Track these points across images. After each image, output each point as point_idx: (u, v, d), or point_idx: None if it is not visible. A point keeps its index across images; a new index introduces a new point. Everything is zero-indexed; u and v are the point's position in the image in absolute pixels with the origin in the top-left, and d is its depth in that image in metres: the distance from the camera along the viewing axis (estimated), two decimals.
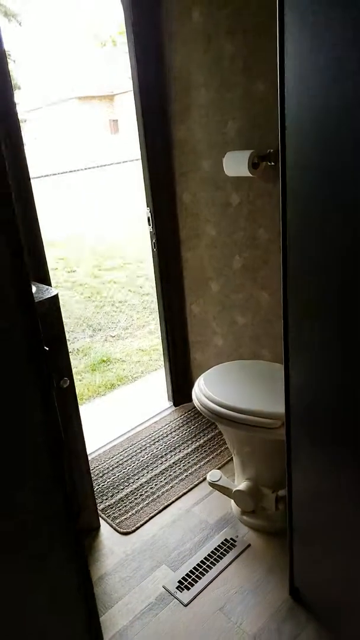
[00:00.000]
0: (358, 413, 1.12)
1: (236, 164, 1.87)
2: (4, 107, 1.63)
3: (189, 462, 2.25)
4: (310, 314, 1.19)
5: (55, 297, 1.52)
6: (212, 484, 1.91)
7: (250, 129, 1.89)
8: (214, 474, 1.92)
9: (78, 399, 1.75)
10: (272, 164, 1.83)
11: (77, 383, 3.31)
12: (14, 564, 0.85)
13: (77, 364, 3.72)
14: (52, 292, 1.54)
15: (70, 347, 4.07)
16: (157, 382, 2.98)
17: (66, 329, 5.00)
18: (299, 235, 1.15)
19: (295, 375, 1.30)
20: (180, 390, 2.73)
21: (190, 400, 2.72)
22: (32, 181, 1.81)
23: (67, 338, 4.57)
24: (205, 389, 1.80)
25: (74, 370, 3.77)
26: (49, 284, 1.89)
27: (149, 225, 2.40)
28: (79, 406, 1.75)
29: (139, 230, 6.52)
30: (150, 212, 2.36)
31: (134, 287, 5.45)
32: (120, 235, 7.70)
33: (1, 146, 0.64)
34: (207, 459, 2.26)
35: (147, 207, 2.37)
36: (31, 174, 1.79)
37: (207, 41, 1.92)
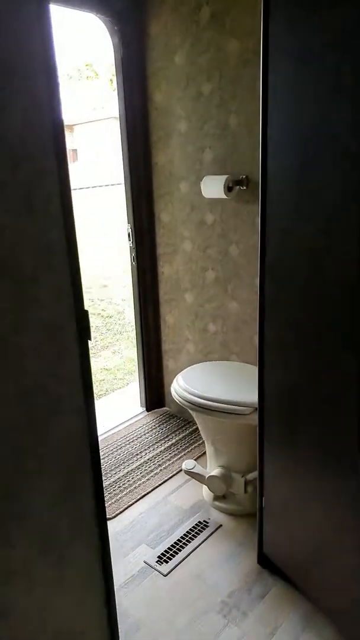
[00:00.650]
0: (318, 402, 1.35)
1: (213, 187, 2.14)
2: None
3: (162, 459, 2.42)
4: (282, 317, 1.42)
5: None
6: (188, 472, 2.09)
7: (225, 156, 2.17)
8: (188, 463, 2.10)
9: None
10: (244, 188, 2.11)
11: None
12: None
13: None
14: None
15: None
16: (131, 391, 3.15)
17: None
18: (276, 242, 1.39)
19: (268, 367, 1.53)
20: (153, 397, 2.91)
21: (163, 405, 2.92)
22: None
23: None
24: (183, 384, 2.01)
25: None
26: None
27: (129, 240, 2.62)
28: None
29: (103, 256, 6.70)
30: (130, 228, 2.59)
31: (97, 309, 5.59)
32: (83, 261, 7.87)
33: None
34: (179, 455, 2.44)
35: (128, 223, 2.60)
36: None
37: (187, 80, 2.20)
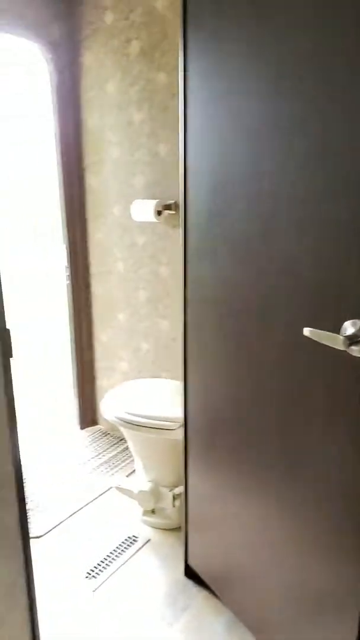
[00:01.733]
0: (241, 419, 1.44)
1: (143, 211, 2.23)
2: None
3: (95, 475, 2.44)
4: (203, 336, 1.52)
5: None
6: (118, 488, 2.13)
7: (155, 182, 2.27)
8: (118, 479, 2.14)
9: None
10: (173, 212, 2.22)
11: None
12: None
13: None
14: None
15: None
16: (66, 409, 3.14)
17: None
18: (194, 268, 1.49)
19: (191, 385, 1.61)
20: (86, 415, 2.93)
21: (96, 423, 2.94)
22: None
23: None
24: (112, 401, 2.06)
25: None
26: None
27: (64, 260, 2.66)
28: None
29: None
30: (65, 248, 2.63)
31: None
32: None
33: None
34: (110, 472, 2.47)
35: (63, 243, 2.64)
36: None
37: (118, 109, 2.30)
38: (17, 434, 1.05)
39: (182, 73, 1.37)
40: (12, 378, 1.00)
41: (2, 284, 0.95)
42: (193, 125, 1.38)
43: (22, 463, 1.08)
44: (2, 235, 3.79)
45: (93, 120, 2.43)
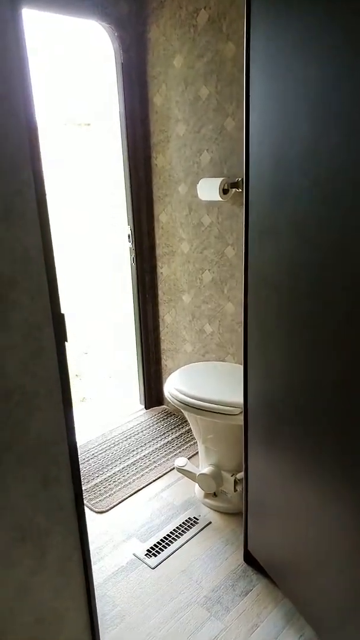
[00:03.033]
0: (299, 405, 1.37)
1: (209, 190, 2.17)
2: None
3: (157, 455, 2.47)
4: (265, 321, 1.45)
5: None
6: (179, 469, 2.13)
7: (221, 159, 2.20)
8: (180, 461, 2.15)
9: None
10: (240, 190, 2.14)
11: None
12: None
13: None
14: None
15: None
16: (130, 388, 3.20)
17: None
18: (256, 250, 1.43)
19: (252, 371, 1.56)
20: (151, 395, 2.96)
21: (161, 403, 2.97)
22: None
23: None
24: (176, 383, 2.05)
25: None
26: None
27: (129, 241, 2.67)
28: None
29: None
30: (130, 230, 2.64)
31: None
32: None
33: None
34: (174, 453, 2.49)
35: (128, 225, 2.64)
36: None
37: (185, 84, 2.24)
38: (72, 414, 1.06)
39: (246, 41, 1.28)
40: (67, 360, 1.01)
41: (56, 271, 0.94)
42: (256, 96, 1.29)
43: (77, 443, 1.09)
44: (68, 221, 3.86)
45: (159, 97, 2.39)
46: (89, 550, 1.21)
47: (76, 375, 3.90)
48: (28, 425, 0.99)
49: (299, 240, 1.23)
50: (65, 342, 0.99)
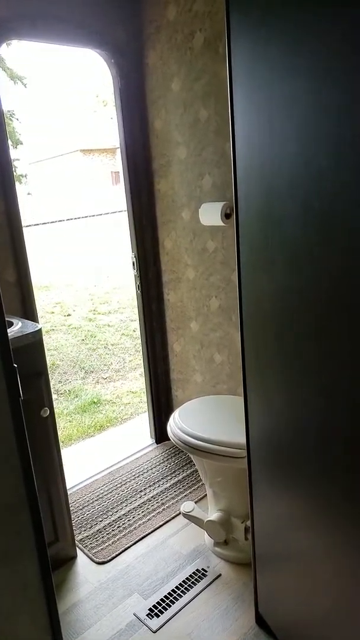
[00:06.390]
0: (306, 446, 1.22)
1: (210, 215, 2.06)
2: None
3: (166, 497, 2.32)
4: (263, 356, 1.31)
5: (39, 331, 1.66)
6: (186, 515, 1.98)
7: (223, 183, 2.09)
8: (187, 505, 1.99)
9: (67, 440, 1.83)
10: None
11: (66, 424, 3.38)
12: None
13: (68, 405, 3.79)
14: (37, 326, 1.68)
15: (61, 388, 4.17)
16: (142, 421, 3.07)
17: (59, 370, 5.00)
18: (249, 280, 1.29)
19: (253, 410, 1.41)
20: (162, 428, 2.82)
21: None
22: (33, 228, 2.00)
23: (59, 380, 4.57)
24: (179, 422, 1.91)
25: (64, 412, 3.81)
26: (37, 322, 2.03)
27: (134, 269, 2.57)
28: (67, 447, 1.83)
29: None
30: (135, 257, 2.54)
31: (128, 330, 5.59)
32: (117, 281, 7.93)
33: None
34: (184, 494, 2.33)
35: (132, 252, 2.55)
36: (32, 221, 1.98)
37: (184, 106, 2.15)
38: (33, 479, 0.93)
39: (228, 59, 1.17)
40: (23, 419, 0.89)
41: (5, 325, 0.84)
42: (240, 115, 1.18)
43: (40, 511, 0.96)
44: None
45: (160, 121, 2.31)
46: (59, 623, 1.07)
47: (94, 402, 3.80)
48: None
49: (292, 269, 1.10)
50: (20, 399, 0.87)
